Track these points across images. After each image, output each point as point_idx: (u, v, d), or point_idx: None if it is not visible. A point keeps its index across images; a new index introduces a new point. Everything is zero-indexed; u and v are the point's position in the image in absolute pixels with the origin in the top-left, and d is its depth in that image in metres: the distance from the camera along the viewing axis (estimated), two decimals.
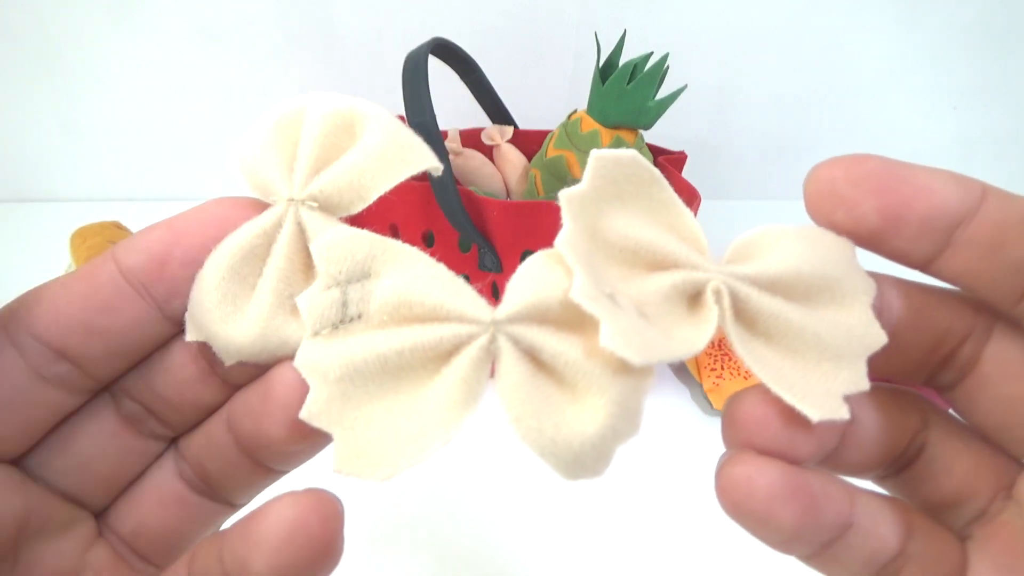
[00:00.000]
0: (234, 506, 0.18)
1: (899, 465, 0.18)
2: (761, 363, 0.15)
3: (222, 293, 0.15)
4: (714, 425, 0.47)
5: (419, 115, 0.40)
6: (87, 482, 0.17)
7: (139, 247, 0.16)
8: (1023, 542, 0.16)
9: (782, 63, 0.71)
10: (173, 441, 0.18)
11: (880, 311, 0.16)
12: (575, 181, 0.17)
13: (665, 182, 0.16)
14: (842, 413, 0.14)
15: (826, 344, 0.15)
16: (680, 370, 0.52)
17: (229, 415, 0.17)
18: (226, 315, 0.15)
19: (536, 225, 0.41)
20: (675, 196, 0.16)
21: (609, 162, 0.16)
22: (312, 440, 0.15)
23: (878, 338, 0.15)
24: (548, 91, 0.68)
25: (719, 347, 0.49)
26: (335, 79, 0.68)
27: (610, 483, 0.41)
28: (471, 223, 0.42)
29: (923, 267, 0.16)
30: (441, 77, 0.47)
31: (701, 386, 0.48)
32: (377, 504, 0.39)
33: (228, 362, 0.16)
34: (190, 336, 0.16)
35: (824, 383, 0.15)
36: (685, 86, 0.45)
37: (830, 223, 0.16)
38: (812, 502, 0.15)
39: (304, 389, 0.15)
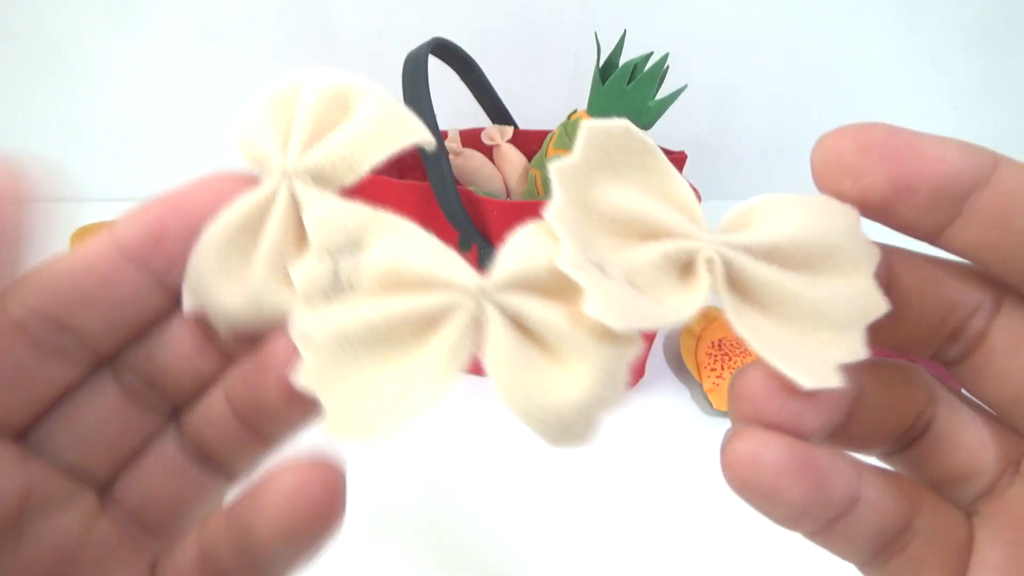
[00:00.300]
0: (235, 478, 0.19)
1: (905, 441, 0.17)
2: (754, 332, 0.15)
3: (218, 263, 0.16)
4: (714, 425, 0.47)
5: (419, 115, 0.40)
6: (89, 456, 0.17)
7: (136, 221, 0.16)
8: None
9: (782, 63, 0.71)
10: (174, 415, 0.18)
11: (887, 282, 0.16)
12: None
13: (658, 151, 0.16)
14: (834, 381, 0.14)
15: (824, 312, 0.15)
16: (680, 370, 0.52)
17: (227, 385, 0.17)
18: (222, 285, 0.16)
19: None
20: (669, 165, 0.16)
21: (600, 133, 0.16)
22: (306, 407, 0.16)
23: (878, 306, 0.15)
24: (548, 91, 0.68)
25: (719, 347, 0.49)
26: None
27: (610, 481, 0.41)
28: (471, 223, 0.42)
29: (932, 238, 0.15)
30: (441, 77, 0.47)
31: (701, 386, 0.48)
32: (378, 492, 0.39)
33: (223, 331, 0.16)
34: (187, 306, 0.16)
35: (822, 352, 0.15)
36: (685, 86, 0.45)
37: (837, 193, 0.15)
38: (820, 477, 0.14)
39: (298, 357, 0.15)
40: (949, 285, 0.16)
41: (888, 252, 0.16)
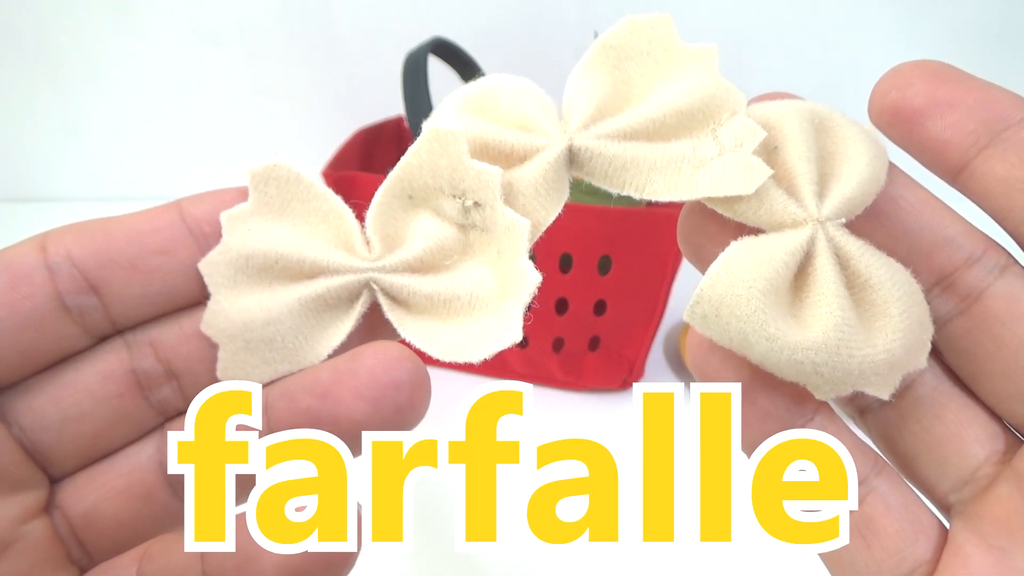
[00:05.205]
0: None
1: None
2: (421, 335, 0.16)
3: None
4: None
5: (419, 115, 0.40)
6: (63, 442, 0.15)
7: (210, 201, 0.16)
8: (1020, 522, 0.14)
9: (782, 62, 0.71)
10: (163, 426, 0.17)
11: (881, 186, 0.15)
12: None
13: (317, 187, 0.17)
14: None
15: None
16: (680, 369, 0.52)
17: (283, 387, 0.15)
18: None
19: None
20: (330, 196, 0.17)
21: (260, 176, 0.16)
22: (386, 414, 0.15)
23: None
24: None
25: None
26: (335, 79, 0.68)
27: None
28: None
29: (958, 169, 0.15)
30: (441, 77, 0.47)
31: None
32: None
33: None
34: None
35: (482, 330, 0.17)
36: None
37: (882, 104, 0.15)
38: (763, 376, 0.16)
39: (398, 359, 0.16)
40: (949, 220, 0.15)
41: (892, 171, 0.16)
